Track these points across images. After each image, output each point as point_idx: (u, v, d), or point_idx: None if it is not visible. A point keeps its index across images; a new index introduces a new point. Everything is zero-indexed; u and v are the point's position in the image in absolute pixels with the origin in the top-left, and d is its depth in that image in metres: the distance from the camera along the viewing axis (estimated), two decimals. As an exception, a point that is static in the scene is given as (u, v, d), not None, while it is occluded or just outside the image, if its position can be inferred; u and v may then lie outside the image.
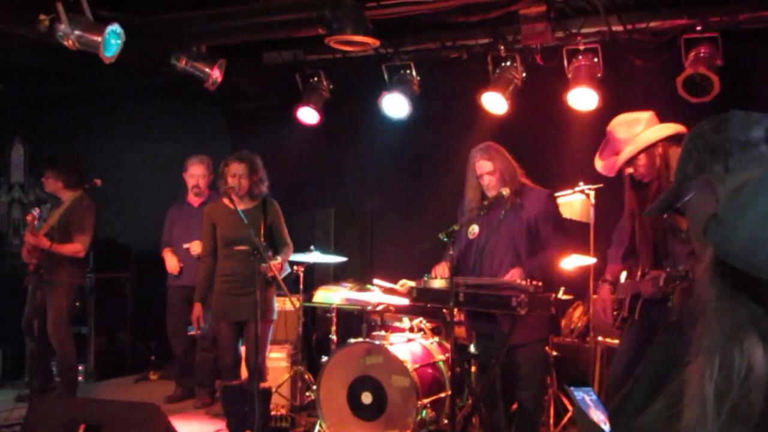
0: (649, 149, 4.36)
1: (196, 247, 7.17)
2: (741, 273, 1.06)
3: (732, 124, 1.61)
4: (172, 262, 7.33)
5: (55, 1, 5.38)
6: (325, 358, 5.99)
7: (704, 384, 1.08)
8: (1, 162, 10.06)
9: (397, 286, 6.39)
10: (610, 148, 4.59)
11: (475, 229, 5.23)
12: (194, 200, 7.43)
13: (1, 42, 6.20)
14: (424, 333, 6.23)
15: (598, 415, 1.79)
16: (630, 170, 4.43)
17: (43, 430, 4.81)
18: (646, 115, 4.48)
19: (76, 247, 6.91)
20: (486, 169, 5.13)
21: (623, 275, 4.68)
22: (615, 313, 4.64)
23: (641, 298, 4.45)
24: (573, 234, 5.29)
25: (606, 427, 1.74)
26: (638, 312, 4.46)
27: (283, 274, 5.88)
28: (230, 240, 5.87)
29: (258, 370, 5.69)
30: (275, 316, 6.04)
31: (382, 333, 6.03)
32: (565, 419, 5.92)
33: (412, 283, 6.15)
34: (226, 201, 5.89)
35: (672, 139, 4.36)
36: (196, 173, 7.32)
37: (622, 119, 4.54)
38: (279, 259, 5.77)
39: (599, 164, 4.68)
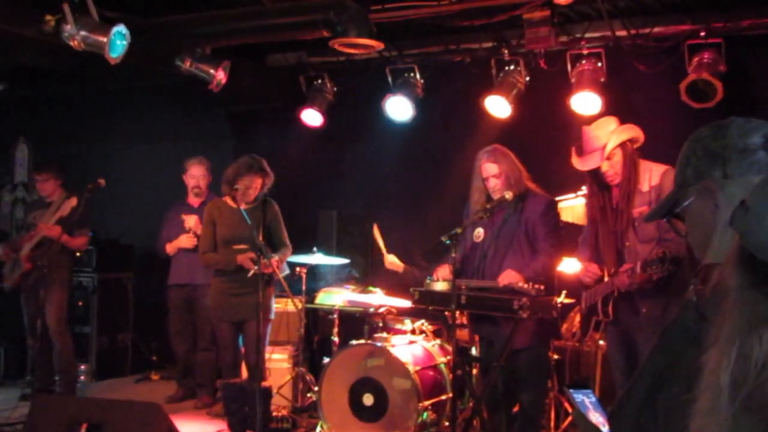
0: (624, 146, 4.65)
1: (190, 221, 7.16)
2: (765, 265, 1.07)
3: (731, 130, 1.63)
4: (182, 240, 7.26)
5: (61, 2, 5.41)
6: (326, 360, 6.00)
7: (720, 372, 1.09)
8: (5, 161, 10.08)
9: (385, 264, 6.41)
10: (585, 148, 4.78)
11: (480, 232, 5.25)
12: (194, 200, 7.46)
13: (7, 42, 6.23)
14: (426, 335, 6.24)
15: (597, 418, 1.81)
16: (606, 167, 4.65)
17: (46, 429, 4.83)
18: (613, 118, 4.81)
19: (83, 240, 7.06)
20: (491, 172, 5.14)
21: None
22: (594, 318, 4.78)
23: (611, 300, 4.61)
24: (572, 239, 5.29)
25: (605, 429, 1.75)
26: (611, 313, 4.62)
27: (282, 274, 5.90)
28: (229, 239, 5.91)
29: (258, 369, 5.71)
30: (272, 316, 6.06)
31: (384, 335, 6.04)
32: (566, 422, 5.92)
33: (399, 262, 6.24)
34: (227, 200, 5.92)
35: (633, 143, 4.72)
36: (196, 174, 7.35)
37: (591, 124, 4.84)
38: (276, 256, 5.79)
39: (577, 161, 4.82)
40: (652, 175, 4.59)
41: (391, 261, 6.36)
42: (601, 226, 4.75)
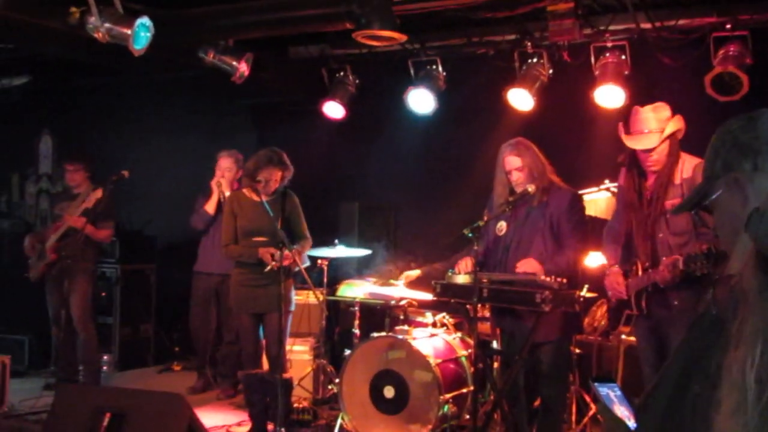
0: (673, 134, 4.63)
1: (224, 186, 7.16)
2: None
3: (761, 122, 1.61)
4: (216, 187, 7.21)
5: (85, -6, 5.45)
6: (347, 352, 6.01)
7: (746, 371, 1.09)
8: (29, 153, 10.17)
9: (402, 279, 6.44)
10: (637, 127, 4.73)
11: (502, 225, 5.22)
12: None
13: (31, 34, 6.27)
14: (447, 328, 6.24)
15: (622, 411, 1.79)
16: (655, 156, 4.62)
17: (70, 418, 4.86)
18: (667, 105, 4.75)
19: (109, 233, 7.13)
20: (514, 165, 5.12)
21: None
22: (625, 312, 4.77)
23: (644, 294, 4.60)
24: (595, 233, 5.26)
25: (631, 423, 1.74)
26: (645, 307, 4.62)
27: (302, 266, 5.91)
28: (249, 231, 5.93)
29: (279, 361, 5.74)
30: (293, 308, 6.08)
31: (405, 328, 6.04)
32: (587, 417, 5.90)
33: (416, 272, 6.24)
34: (247, 192, 5.95)
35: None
36: (222, 166, 7.31)
37: (644, 107, 4.77)
38: (295, 248, 5.81)
39: (628, 139, 4.75)
40: (685, 167, 4.58)
41: (407, 275, 6.40)
42: (635, 214, 4.72)
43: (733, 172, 1.60)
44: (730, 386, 1.13)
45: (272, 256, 5.73)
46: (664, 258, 4.49)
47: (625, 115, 4.89)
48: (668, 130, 4.60)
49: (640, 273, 4.64)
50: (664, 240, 4.57)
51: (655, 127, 4.63)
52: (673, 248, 4.50)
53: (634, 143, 4.71)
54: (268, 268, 5.72)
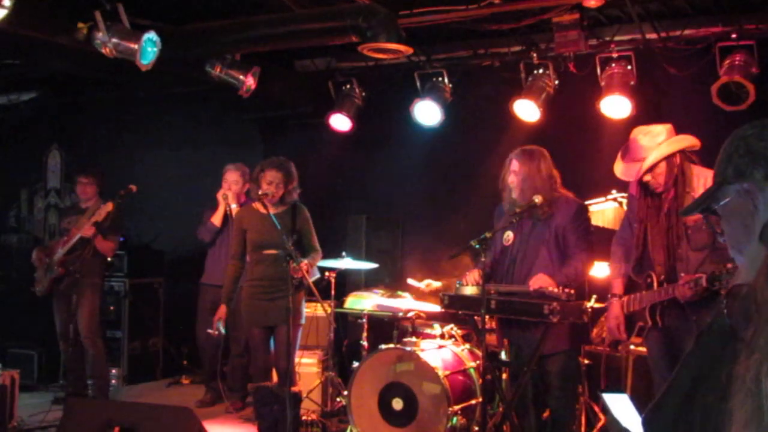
0: (669, 158, 4.54)
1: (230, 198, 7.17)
2: None
3: None
4: (222, 200, 7.25)
5: (93, 10, 5.48)
6: (356, 364, 6.01)
7: (760, 379, 1.09)
8: (38, 168, 10.20)
9: (421, 286, 6.43)
10: (630, 156, 4.71)
11: (509, 235, 5.23)
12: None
13: (39, 50, 6.31)
14: (455, 340, 6.22)
15: (631, 423, 1.79)
16: (648, 178, 4.58)
17: (79, 432, 4.88)
18: (666, 126, 4.65)
19: (114, 246, 7.10)
20: (512, 169, 5.16)
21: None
22: (638, 324, 4.74)
23: (659, 307, 4.55)
24: (602, 243, 5.25)
25: (640, 434, 1.74)
26: (659, 320, 4.58)
27: (312, 279, 5.91)
28: (260, 244, 5.93)
29: (288, 374, 5.74)
30: (303, 321, 6.08)
31: (413, 339, 6.03)
32: (597, 428, 5.88)
33: (437, 284, 6.22)
34: (257, 205, 5.96)
35: (686, 152, 4.61)
36: (229, 179, 7.33)
37: (643, 128, 4.70)
38: (305, 260, 5.81)
39: (620, 167, 4.77)
40: (707, 181, 4.50)
41: (428, 283, 6.40)
42: (651, 228, 4.68)
43: (745, 179, 1.59)
44: (743, 395, 1.13)
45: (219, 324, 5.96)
46: (683, 274, 4.44)
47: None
48: (648, 161, 4.50)
49: (655, 286, 4.60)
50: (684, 254, 4.52)
51: (643, 155, 4.57)
52: (691, 262, 4.46)
53: (621, 172, 4.74)
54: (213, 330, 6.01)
